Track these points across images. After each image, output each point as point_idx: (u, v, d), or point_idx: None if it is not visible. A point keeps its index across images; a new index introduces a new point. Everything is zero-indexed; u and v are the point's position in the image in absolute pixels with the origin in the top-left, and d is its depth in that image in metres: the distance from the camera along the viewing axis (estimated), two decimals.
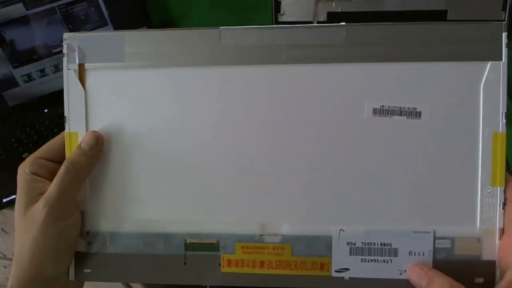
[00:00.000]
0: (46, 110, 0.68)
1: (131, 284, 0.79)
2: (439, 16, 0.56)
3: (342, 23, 0.33)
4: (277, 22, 0.59)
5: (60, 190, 0.32)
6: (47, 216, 0.31)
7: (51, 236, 0.32)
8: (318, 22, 0.58)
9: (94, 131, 0.34)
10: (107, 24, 0.66)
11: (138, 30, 0.35)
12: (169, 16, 0.72)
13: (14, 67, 0.64)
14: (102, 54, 0.34)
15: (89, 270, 0.34)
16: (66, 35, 0.34)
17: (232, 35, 0.33)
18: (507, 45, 0.32)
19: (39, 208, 0.31)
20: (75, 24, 0.65)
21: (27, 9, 0.63)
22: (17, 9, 0.62)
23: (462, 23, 0.32)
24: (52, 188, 0.32)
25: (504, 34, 0.32)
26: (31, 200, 0.32)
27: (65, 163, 0.32)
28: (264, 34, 0.33)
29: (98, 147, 0.34)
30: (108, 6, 0.66)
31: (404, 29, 0.32)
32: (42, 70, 0.66)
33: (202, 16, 0.71)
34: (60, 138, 0.35)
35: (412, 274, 0.32)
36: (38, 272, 0.32)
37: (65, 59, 0.34)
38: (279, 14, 0.59)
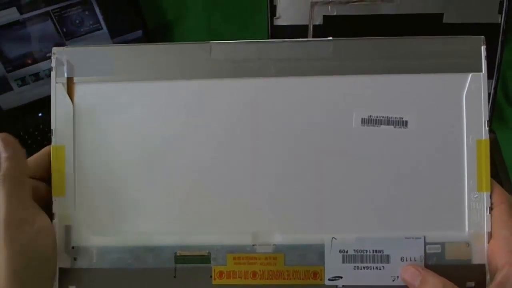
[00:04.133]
0: (40, 114, 0.67)
1: None
2: (435, 19, 0.56)
3: (329, 38, 0.34)
4: (272, 26, 0.59)
5: (6, 205, 0.30)
6: (6, 232, 0.29)
7: (20, 252, 0.30)
8: (314, 26, 0.58)
9: (1, 133, 0.32)
10: (101, 28, 0.66)
11: (128, 44, 0.35)
12: (164, 20, 0.72)
13: (8, 71, 0.64)
14: (91, 68, 0.34)
15: (74, 287, 0.34)
16: (55, 49, 0.34)
17: (223, 49, 0.34)
18: (486, 57, 0.33)
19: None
20: (70, 28, 0.65)
21: (21, 14, 0.62)
22: (11, 14, 0.62)
23: (444, 37, 0.34)
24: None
25: (483, 48, 0.33)
26: None
27: None
28: (254, 48, 0.34)
29: (13, 145, 0.31)
30: (103, 10, 0.65)
31: (388, 43, 0.34)
32: (36, 74, 0.65)
33: (197, 19, 0.71)
34: (36, 156, 0.34)
35: (406, 274, 0.32)
36: None
37: (53, 73, 0.34)
38: (274, 17, 0.59)
